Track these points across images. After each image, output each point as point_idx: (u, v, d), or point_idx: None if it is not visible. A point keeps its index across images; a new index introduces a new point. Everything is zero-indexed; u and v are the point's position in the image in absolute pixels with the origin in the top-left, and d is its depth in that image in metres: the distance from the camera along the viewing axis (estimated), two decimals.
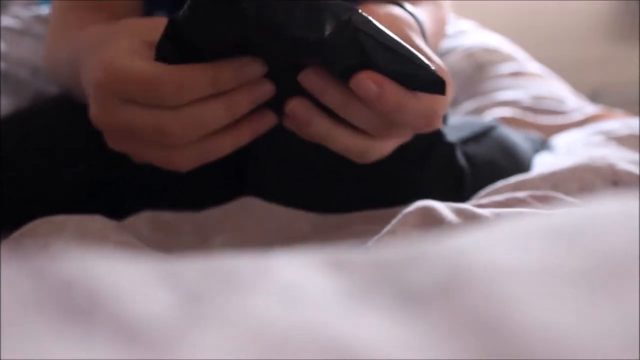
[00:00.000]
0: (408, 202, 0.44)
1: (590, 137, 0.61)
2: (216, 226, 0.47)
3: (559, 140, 0.66)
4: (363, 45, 0.35)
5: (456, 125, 0.59)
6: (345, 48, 0.35)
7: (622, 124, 0.62)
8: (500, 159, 0.56)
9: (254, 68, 0.38)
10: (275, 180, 0.51)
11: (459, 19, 1.20)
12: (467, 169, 0.52)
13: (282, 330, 0.14)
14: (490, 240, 0.17)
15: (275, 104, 0.40)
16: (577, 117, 0.80)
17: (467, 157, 0.53)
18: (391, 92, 0.35)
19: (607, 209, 0.18)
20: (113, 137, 0.40)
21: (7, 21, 0.98)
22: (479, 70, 0.97)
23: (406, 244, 0.18)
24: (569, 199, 0.46)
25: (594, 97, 1.78)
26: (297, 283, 0.15)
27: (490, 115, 0.82)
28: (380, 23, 0.37)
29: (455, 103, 0.91)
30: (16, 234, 0.43)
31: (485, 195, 0.50)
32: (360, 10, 0.35)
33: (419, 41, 0.42)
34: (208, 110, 0.37)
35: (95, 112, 0.40)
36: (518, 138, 0.62)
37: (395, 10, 0.44)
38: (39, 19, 1.01)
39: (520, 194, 0.46)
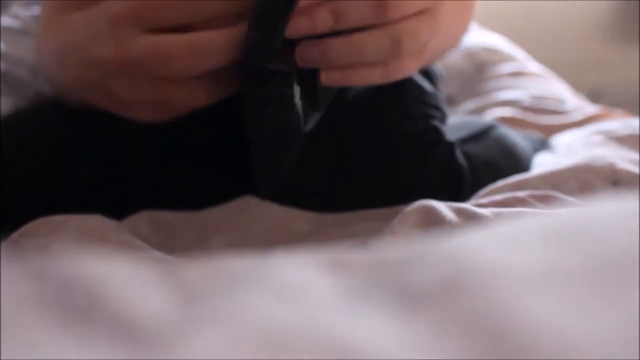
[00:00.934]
0: (408, 202, 0.44)
1: (590, 137, 0.61)
2: (216, 226, 0.47)
3: (559, 140, 0.66)
4: None
5: (456, 125, 0.59)
6: None
7: (622, 124, 0.62)
8: (500, 159, 0.56)
9: None
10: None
11: None
12: (466, 168, 0.52)
13: (282, 330, 0.14)
14: (491, 240, 0.17)
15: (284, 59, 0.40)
16: (577, 117, 0.80)
17: (467, 156, 0.53)
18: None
19: (607, 209, 0.18)
20: (125, 79, 0.40)
21: (7, 21, 0.98)
22: (479, 70, 0.97)
23: (406, 243, 0.18)
24: (569, 199, 0.46)
25: (594, 97, 1.78)
26: (297, 283, 0.15)
27: (490, 115, 0.82)
28: None
29: (455, 103, 0.91)
30: (16, 234, 0.43)
31: (485, 195, 0.50)
32: None
33: None
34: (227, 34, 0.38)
35: (110, 48, 0.40)
36: (518, 138, 0.62)
37: None
38: (39, 19, 1.01)
39: (520, 194, 0.46)
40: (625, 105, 1.53)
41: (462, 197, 0.51)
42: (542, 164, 0.59)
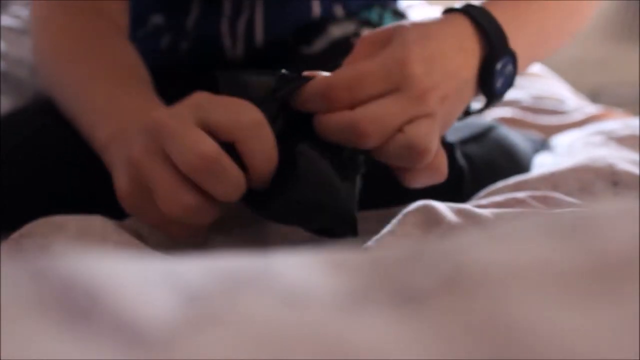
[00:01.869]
0: (408, 202, 0.44)
1: (590, 137, 0.61)
2: (216, 226, 0.47)
3: (559, 141, 0.66)
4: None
5: (456, 126, 0.59)
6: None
7: (622, 124, 0.62)
8: (499, 160, 0.56)
9: None
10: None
11: None
12: (466, 169, 0.52)
13: (282, 330, 0.14)
14: (491, 240, 0.17)
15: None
16: (577, 117, 0.80)
17: (467, 157, 0.53)
18: None
19: (607, 209, 0.18)
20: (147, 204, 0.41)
21: (7, 21, 0.98)
22: None
23: (406, 244, 0.18)
24: (569, 199, 0.46)
25: (594, 97, 1.78)
26: (297, 283, 0.15)
27: (490, 116, 0.82)
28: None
29: None
30: (16, 234, 0.43)
31: (485, 196, 0.50)
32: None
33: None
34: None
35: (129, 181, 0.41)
36: (518, 138, 0.62)
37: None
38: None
39: (520, 195, 0.46)
40: (625, 105, 1.52)
41: (462, 197, 0.51)
42: (542, 164, 0.59)
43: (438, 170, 0.41)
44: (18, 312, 0.13)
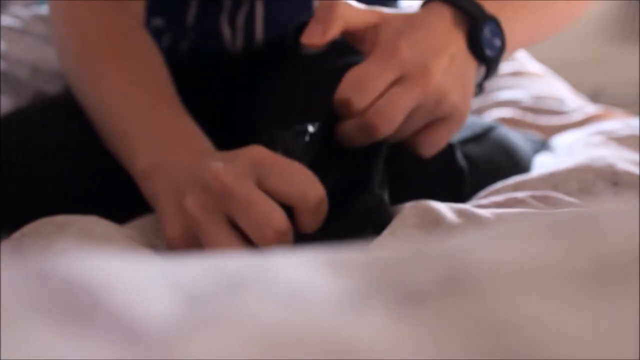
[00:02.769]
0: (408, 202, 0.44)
1: (590, 137, 0.61)
2: None
3: (559, 141, 0.66)
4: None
5: None
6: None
7: (622, 124, 0.62)
8: (500, 160, 0.56)
9: None
10: None
11: None
12: (466, 169, 0.52)
13: (282, 330, 0.14)
14: (491, 240, 0.17)
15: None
16: (577, 117, 0.80)
17: (467, 157, 0.53)
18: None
19: (607, 209, 0.18)
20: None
21: (7, 21, 0.98)
22: None
23: (406, 244, 0.18)
24: (569, 199, 0.46)
25: (594, 97, 1.78)
26: (297, 283, 0.15)
27: (490, 116, 0.82)
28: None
29: None
30: (17, 233, 0.43)
31: (485, 196, 0.50)
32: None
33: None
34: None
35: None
36: (518, 138, 0.62)
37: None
38: (39, 18, 1.01)
39: (520, 195, 0.46)
40: (625, 105, 1.52)
41: (462, 197, 0.51)
42: (543, 164, 0.59)
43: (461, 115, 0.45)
44: (18, 312, 0.13)
